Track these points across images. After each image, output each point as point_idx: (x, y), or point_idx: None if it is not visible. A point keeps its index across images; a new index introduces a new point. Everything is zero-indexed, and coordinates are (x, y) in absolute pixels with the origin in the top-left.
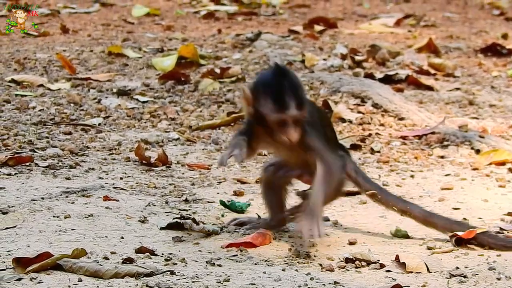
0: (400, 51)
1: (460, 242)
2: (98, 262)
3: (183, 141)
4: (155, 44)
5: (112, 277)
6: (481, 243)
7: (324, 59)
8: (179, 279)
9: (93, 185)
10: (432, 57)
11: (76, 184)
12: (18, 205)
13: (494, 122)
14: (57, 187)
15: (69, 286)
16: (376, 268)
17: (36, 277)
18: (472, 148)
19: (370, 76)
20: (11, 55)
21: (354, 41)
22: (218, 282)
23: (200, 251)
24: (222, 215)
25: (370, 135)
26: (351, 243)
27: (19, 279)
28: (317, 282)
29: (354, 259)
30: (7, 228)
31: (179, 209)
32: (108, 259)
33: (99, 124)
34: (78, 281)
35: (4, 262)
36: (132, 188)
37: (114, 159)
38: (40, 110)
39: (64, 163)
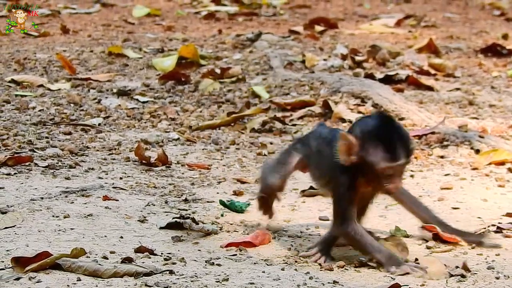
0: (401, 52)
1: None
2: (97, 262)
3: (183, 141)
4: (155, 45)
5: (111, 277)
6: None
7: (325, 60)
8: (178, 279)
9: (93, 185)
10: (432, 57)
11: (76, 184)
12: (17, 204)
13: (494, 122)
14: (56, 187)
15: (67, 285)
16: (375, 268)
17: (35, 277)
18: (471, 148)
19: (370, 76)
20: (11, 55)
21: (354, 41)
22: (217, 282)
23: (199, 250)
24: (222, 215)
25: None
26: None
27: (18, 279)
28: (316, 281)
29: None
30: (6, 227)
31: (179, 209)
32: (107, 258)
33: (99, 124)
34: (77, 281)
35: (3, 261)
36: (131, 188)
37: (114, 159)
38: (40, 110)
39: (64, 163)
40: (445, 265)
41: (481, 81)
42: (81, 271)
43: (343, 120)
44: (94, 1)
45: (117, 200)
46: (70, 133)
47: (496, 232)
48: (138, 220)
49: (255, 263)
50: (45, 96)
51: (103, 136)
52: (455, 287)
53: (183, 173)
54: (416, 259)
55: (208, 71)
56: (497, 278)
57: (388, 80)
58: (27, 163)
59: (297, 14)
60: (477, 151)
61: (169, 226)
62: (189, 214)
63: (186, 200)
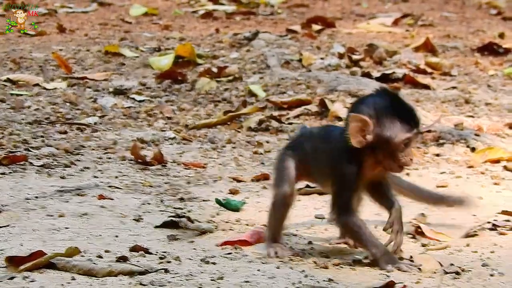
0: (398, 50)
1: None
2: (91, 261)
3: (179, 140)
4: (152, 44)
5: (106, 276)
6: None
7: (322, 58)
8: (173, 277)
9: (88, 184)
10: (429, 56)
11: (71, 183)
12: (12, 204)
13: (490, 120)
14: (51, 186)
15: (62, 284)
16: (370, 265)
17: (29, 276)
18: (467, 146)
19: (367, 75)
20: (7, 54)
21: (351, 40)
22: (212, 280)
23: (194, 249)
24: (217, 214)
25: None
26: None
27: (12, 278)
28: (311, 279)
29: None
30: (0, 227)
31: (174, 208)
32: (102, 257)
33: (95, 123)
34: (71, 280)
35: None
36: (127, 186)
37: (109, 158)
38: (35, 109)
39: (59, 162)
40: (439, 262)
41: (477, 80)
42: (76, 270)
43: (339, 119)
44: (91, 0)
45: (113, 199)
46: (65, 132)
47: (491, 229)
48: (134, 219)
49: (250, 262)
50: (40, 95)
51: (99, 135)
52: (450, 284)
53: (179, 172)
54: (411, 257)
55: (204, 70)
56: (492, 275)
57: (384, 78)
58: (22, 162)
59: (294, 13)
60: (473, 149)
61: (165, 225)
62: (185, 213)
63: (181, 199)
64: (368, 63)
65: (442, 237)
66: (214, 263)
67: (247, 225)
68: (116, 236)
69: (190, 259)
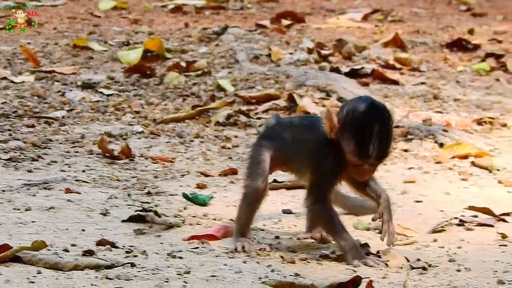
0: (367, 46)
1: None
2: (58, 255)
3: (147, 134)
4: (121, 38)
5: (72, 269)
6: None
7: (291, 53)
8: (139, 271)
9: (55, 177)
10: (398, 51)
11: (38, 177)
12: None
13: (458, 116)
14: (18, 179)
15: (28, 278)
16: (337, 260)
17: None
18: (435, 142)
19: (336, 70)
20: None
21: (321, 35)
22: (178, 274)
23: (161, 243)
24: (185, 208)
25: None
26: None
27: None
28: (278, 274)
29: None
30: None
31: (141, 202)
32: (68, 251)
33: (63, 117)
34: (37, 273)
35: None
36: (94, 180)
37: (77, 152)
38: (3, 103)
39: (26, 156)
40: (406, 258)
41: (446, 76)
42: (42, 264)
43: (307, 114)
44: None
45: (80, 193)
46: (33, 126)
47: (458, 225)
48: (100, 213)
49: (217, 256)
50: (8, 89)
51: (67, 129)
52: (416, 279)
53: (146, 166)
54: (378, 252)
55: (173, 64)
56: (458, 270)
57: (353, 74)
58: None
59: (264, 8)
60: (441, 145)
61: (132, 219)
62: (152, 207)
63: (149, 193)
64: (337, 58)
65: (409, 233)
66: (180, 258)
67: (214, 219)
68: (83, 230)
69: (156, 253)
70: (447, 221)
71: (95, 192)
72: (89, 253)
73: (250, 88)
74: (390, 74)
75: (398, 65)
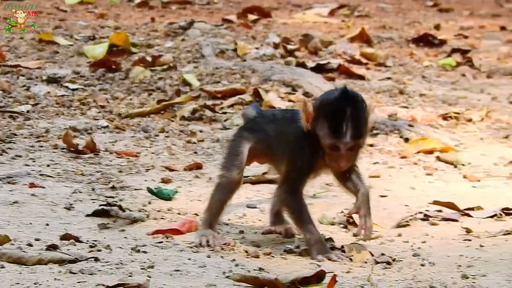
0: (333, 41)
1: None
2: (21, 249)
3: (112, 128)
4: (87, 32)
5: (36, 264)
6: None
7: (257, 48)
8: (103, 266)
9: (19, 172)
10: (364, 46)
11: (2, 171)
12: None
13: (424, 111)
14: None
15: None
16: (301, 255)
17: None
18: (401, 137)
19: (301, 65)
20: None
21: (287, 30)
22: (142, 269)
23: (125, 238)
24: (149, 202)
25: None
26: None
27: None
28: (242, 268)
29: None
30: None
31: (106, 196)
32: (32, 246)
33: (28, 112)
34: (1, 268)
35: None
36: (58, 175)
37: (41, 146)
38: None
39: None
40: (370, 252)
41: (412, 71)
42: (5, 258)
43: (273, 109)
44: None
45: (44, 188)
46: None
47: (423, 219)
48: (65, 208)
49: (181, 250)
50: None
51: (31, 123)
52: (380, 274)
53: (111, 161)
54: (342, 247)
55: (139, 59)
56: (423, 265)
57: (319, 69)
58: None
59: (231, 3)
60: (406, 140)
61: (96, 214)
62: (116, 202)
63: (113, 188)
64: (303, 53)
65: (374, 227)
66: (144, 252)
67: (179, 214)
68: (47, 225)
69: (120, 247)
70: (411, 215)
71: (59, 186)
72: (53, 247)
73: (216, 83)
74: (356, 69)
75: (364, 60)
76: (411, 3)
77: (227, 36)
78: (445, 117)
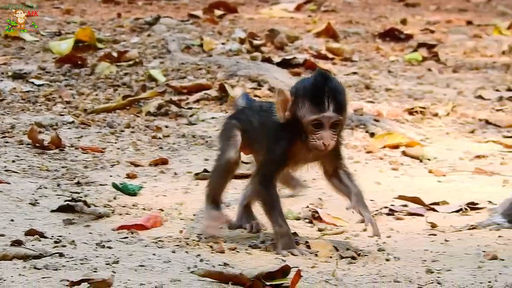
0: (299, 36)
1: None
2: None
3: (78, 124)
4: (52, 28)
5: (0, 260)
6: None
7: (223, 43)
8: (67, 261)
9: None
10: (330, 41)
11: None
12: None
13: (390, 106)
14: None
15: None
16: (267, 250)
17: None
18: (366, 132)
19: (267, 60)
20: None
21: (253, 25)
22: (107, 264)
23: (90, 233)
24: (114, 198)
25: None
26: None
27: None
28: (206, 263)
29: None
30: None
31: (71, 192)
32: None
33: None
34: None
35: None
36: (24, 171)
37: (7, 142)
38: None
39: None
40: (335, 247)
41: (378, 66)
42: None
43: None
44: None
45: (9, 183)
46: None
47: (388, 214)
48: (30, 203)
49: (146, 246)
50: None
51: None
52: (345, 269)
53: (76, 156)
54: (307, 242)
55: (105, 54)
56: (388, 260)
57: (285, 64)
58: None
59: None
60: (372, 135)
61: (61, 209)
62: (81, 197)
63: (78, 183)
64: (269, 48)
65: (339, 222)
66: (109, 247)
67: (144, 209)
68: (12, 220)
69: (85, 243)
70: (377, 210)
71: (24, 182)
72: (17, 243)
73: (182, 78)
74: (322, 64)
75: (330, 55)
76: None
77: (193, 31)
78: (411, 112)
